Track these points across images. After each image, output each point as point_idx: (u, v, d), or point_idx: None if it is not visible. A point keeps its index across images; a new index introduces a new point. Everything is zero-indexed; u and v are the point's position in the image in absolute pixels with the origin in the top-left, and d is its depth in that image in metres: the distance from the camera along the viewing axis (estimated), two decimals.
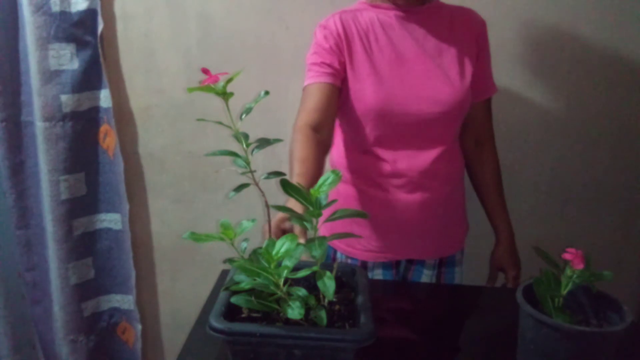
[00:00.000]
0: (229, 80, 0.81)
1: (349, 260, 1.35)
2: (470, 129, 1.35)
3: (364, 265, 1.34)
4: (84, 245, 1.74)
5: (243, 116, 0.84)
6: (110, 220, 1.76)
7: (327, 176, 0.80)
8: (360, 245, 1.32)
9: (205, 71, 0.82)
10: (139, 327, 1.84)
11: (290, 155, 1.10)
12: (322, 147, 1.12)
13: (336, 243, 1.36)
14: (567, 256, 0.84)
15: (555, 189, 1.71)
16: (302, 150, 1.08)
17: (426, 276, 1.36)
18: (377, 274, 1.34)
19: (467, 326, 1.15)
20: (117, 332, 1.90)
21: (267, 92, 0.86)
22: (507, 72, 1.57)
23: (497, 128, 1.38)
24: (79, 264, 1.74)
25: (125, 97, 1.68)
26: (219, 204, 1.76)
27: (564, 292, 0.85)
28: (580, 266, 0.83)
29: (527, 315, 0.85)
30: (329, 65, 1.17)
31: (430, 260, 1.35)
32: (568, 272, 0.85)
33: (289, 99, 1.60)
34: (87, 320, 1.80)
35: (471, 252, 1.46)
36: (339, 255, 1.37)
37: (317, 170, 1.06)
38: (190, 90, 0.77)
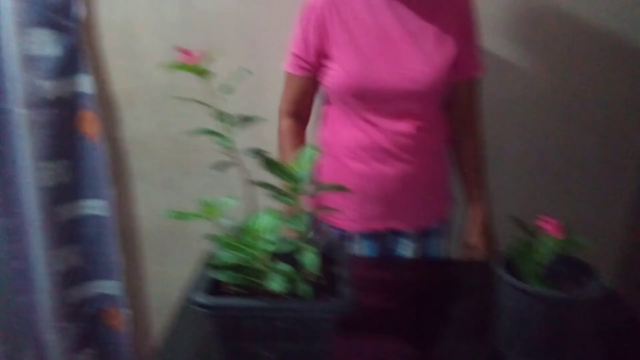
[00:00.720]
0: (207, 59, 0.82)
1: (333, 231, 1.38)
2: (456, 108, 1.36)
3: (347, 235, 1.37)
4: (70, 232, 1.74)
5: (223, 95, 0.85)
6: (95, 206, 1.76)
7: (306, 152, 0.81)
8: (343, 216, 1.35)
9: (183, 51, 0.82)
10: (128, 312, 1.85)
11: (282, 147, 1.36)
12: (304, 134, 1.38)
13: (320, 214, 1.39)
14: (543, 224, 0.86)
15: (539, 166, 1.73)
16: (292, 141, 1.34)
17: (408, 247, 1.38)
18: (360, 244, 1.37)
19: (449, 298, 1.17)
20: (106, 318, 1.90)
21: (247, 71, 0.86)
22: (491, 49, 1.58)
23: (482, 104, 1.39)
24: (64, 251, 1.73)
25: (108, 83, 1.67)
26: (205, 188, 1.76)
27: (542, 260, 0.87)
28: (557, 234, 0.85)
29: (505, 283, 0.87)
30: (304, 60, 1.27)
31: (412, 232, 1.38)
32: (545, 240, 0.87)
33: (271, 79, 1.60)
34: (74, 307, 1.80)
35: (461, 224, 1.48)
36: (323, 225, 1.40)
37: None
38: (169, 68, 0.77)
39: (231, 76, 0.84)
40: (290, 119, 1.36)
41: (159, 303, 1.94)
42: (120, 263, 1.79)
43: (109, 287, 1.85)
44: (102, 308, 1.88)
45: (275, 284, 0.75)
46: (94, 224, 1.77)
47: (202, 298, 0.76)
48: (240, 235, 0.79)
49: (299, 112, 1.36)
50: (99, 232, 1.78)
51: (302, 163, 0.81)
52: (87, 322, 1.85)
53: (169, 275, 1.89)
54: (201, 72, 0.80)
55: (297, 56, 1.27)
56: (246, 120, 0.86)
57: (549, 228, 0.86)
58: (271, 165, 0.81)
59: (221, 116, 0.85)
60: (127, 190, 1.79)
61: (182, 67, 0.78)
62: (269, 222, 0.77)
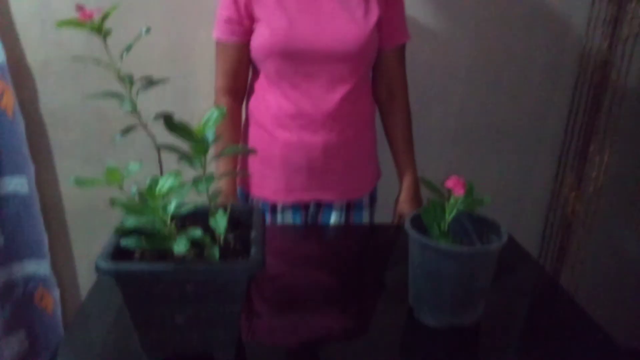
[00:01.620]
0: (106, 16, 0.78)
1: (259, 202, 1.38)
2: (382, 78, 1.36)
3: (274, 207, 1.36)
4: None
5: (124, 54, 0.82)
6: (16, 183, 1.67)
7: (211, 113, 0.80)
8: (269, 187, 1.34)
9: (79, 7, 0.79)
10: (57, 292, 1.79)
11: (221, 128, 1.27)
12: (238, 116, 1.34)
13: (249, 186, 1.39)
14: (448, 184, 0.88)
15: (460, 132, 1.78)
16: (231, 122, 1.30)
17: (334, 218, 1.39)
18: (287, 216, 1.37)
19: (372, 262, 1.20)
20: (35, 300, 1.83)
21: (148, 29, 0.83)
22: (413, 15, 1.60)
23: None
24: None
25: (21, 52, 1.58)
26: (130, 161, 1.71)
27: (448, 218, 0.90)
28: (461, 192, 0.88)
29: (414, 241, 0.89)
30: (235, 22, 1.22)
31: (338, 203, 1.38)
32: (452, 199, 0.90)
33: (196, 49, 1.56)
34: (1, 289, 1.73)
35: (388, 198, 1.50)
36: (249, 197, 1.39)
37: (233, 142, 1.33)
38: (60, 25, 0.74)
39: (156, 48, 0.81)
40: (228, 97, 1.31)
41: (88, 281, 1.89)
42: (46, 242, 1.72)
43: (37, 267, 1.78)
44: (30, 289, 1.81)
45: (180, 247, 0.73)
46: (15, 202, 1.69)
47: (104, 263, 0.74)
48: (143, 199, 0.77)
49: (236, 89, 1.31)
50: (21, 211, 1.70)
51: (207, 125, 0.79)
52: (15, 305, 1.78)
53: (98, 252, 1.84)
54: (96, 29, 0.77)
55: (228, 19, 1.23)
56: (147, 81, 0.83)
57: (453, 186, 0.88)
58: (174, 127, 0.79)
59: (123, 78, 0.83)
60: (49, 166, 1.71)
61: (72, 23, 0.75)
62: (171, 184, 0.75)
